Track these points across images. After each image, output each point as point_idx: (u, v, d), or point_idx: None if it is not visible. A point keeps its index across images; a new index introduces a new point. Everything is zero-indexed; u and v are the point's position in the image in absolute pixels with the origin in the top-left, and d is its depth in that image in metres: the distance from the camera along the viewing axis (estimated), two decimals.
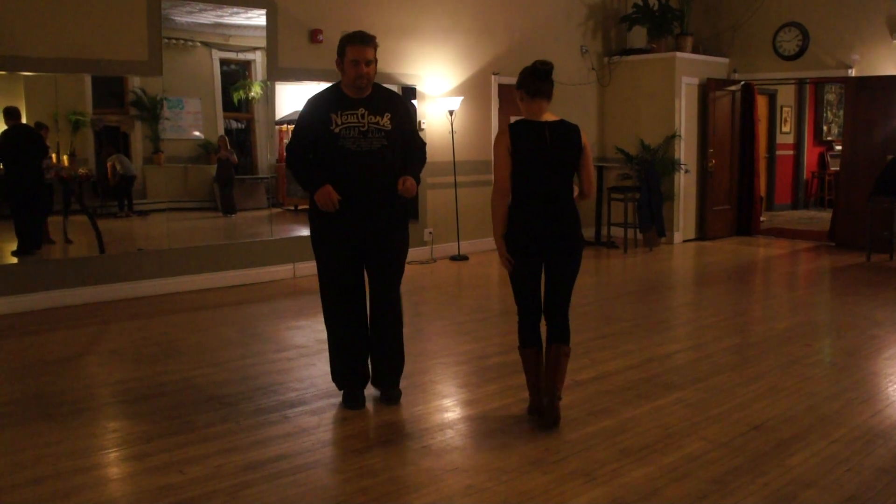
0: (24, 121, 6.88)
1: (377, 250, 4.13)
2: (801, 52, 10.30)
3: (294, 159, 4.11)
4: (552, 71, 3.84)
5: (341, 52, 4.04)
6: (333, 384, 4.34)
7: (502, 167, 3.82)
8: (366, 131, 3.99)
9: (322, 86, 8.22)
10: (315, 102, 4.12)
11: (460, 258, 9.11)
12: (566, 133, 3.85)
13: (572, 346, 4.01)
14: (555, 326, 3.93)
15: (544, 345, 3.96)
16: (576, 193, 3.95)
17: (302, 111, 4.14)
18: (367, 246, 4.10)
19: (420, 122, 8.88)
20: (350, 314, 4.18)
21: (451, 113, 8.94)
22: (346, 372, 4.24)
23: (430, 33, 8.94)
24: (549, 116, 3.88)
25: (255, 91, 8.62)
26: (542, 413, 3.92)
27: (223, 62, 8.56)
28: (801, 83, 13.04)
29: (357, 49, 3.98)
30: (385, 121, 4.03)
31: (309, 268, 8.10)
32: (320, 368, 4.87)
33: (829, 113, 15.07)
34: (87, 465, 3.47)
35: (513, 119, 4.15)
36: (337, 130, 3.96)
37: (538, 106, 3.84)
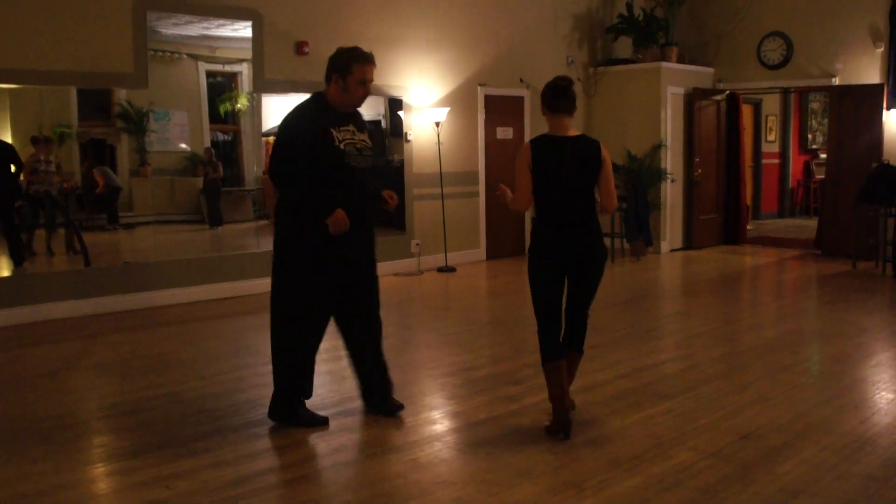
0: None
1: (367, 266, 4.10)
2: (785, 61, 10.39)
3: (294, 178, 3.83)
4: (571, 86, 3.87)
5: (347, 69, 3.86)
6: (321, 397, 4.32)
7: (523, 184, 3.84)
8: (360, 148, 3.95)
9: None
10: (309, 117, 3.88)
11: (447, 270, 9.10)
12: (585, 148, 3.85)
13: None
14: (576, 337, 4.07)
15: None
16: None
17: (291, 125, 3.89)
18: (361, 263, 4.06)
19: (406, 133, 8.91)
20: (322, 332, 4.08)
21: (437, 124, 8.94)
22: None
23: (417, 44, 8.96)
24: (572, 132, 3.89)
25: (242, 103, 8.61)
26: (564, 428, 3.82)
27: (209, 74, 8.54)
28: (785, 92, 13.14)
29: (368, 69, 3.90)
30: (367, 139, 4.05)
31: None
32: None
33: (813, 121, 15.19)
34: (73, 481, 3.44)
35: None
36: (342, 147, 3.85)
37: (560, 121, 3.87)
